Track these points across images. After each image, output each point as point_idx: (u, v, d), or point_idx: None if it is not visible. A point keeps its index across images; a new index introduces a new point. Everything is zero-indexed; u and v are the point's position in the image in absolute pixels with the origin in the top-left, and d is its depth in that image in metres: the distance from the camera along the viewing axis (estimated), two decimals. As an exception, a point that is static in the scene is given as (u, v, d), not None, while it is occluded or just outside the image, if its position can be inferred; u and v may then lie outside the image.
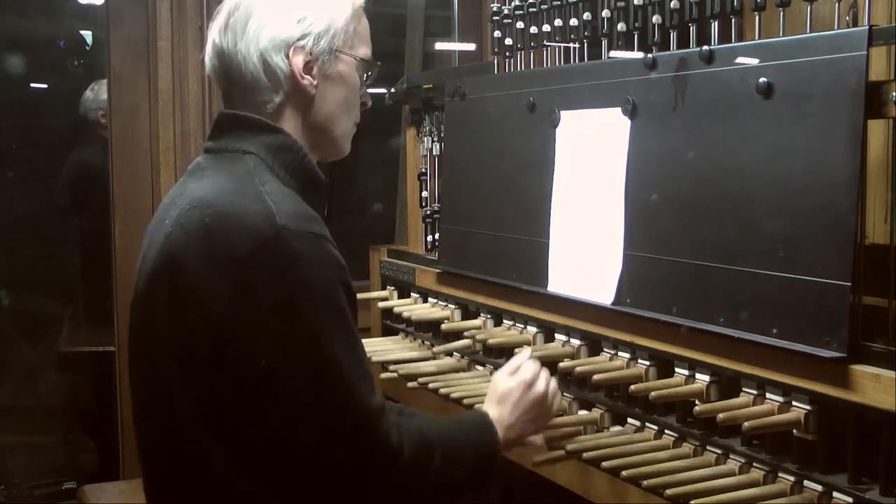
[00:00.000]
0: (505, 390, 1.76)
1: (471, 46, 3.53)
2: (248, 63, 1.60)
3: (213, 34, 1.65)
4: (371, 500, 1.57)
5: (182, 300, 1.50)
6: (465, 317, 2.48)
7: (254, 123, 1.62)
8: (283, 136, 1.63)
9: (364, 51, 1.69)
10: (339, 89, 1.66)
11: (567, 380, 2.04)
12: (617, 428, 1.94)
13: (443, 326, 2.44)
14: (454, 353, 2.41)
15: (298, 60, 1.61)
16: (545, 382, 1.79)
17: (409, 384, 2.30)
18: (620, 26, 2.03)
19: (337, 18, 1.64)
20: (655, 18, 1.93)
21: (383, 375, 2.43)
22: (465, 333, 2.28)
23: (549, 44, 2.28)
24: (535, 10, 2.31)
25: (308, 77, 1.62)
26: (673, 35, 1.91)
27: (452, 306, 2.51)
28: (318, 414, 1.48)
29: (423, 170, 2.77)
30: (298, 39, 1.60)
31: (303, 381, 1.47)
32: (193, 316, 1.48)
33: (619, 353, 1.93)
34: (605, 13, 2.08)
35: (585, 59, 2.20)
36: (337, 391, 1.48)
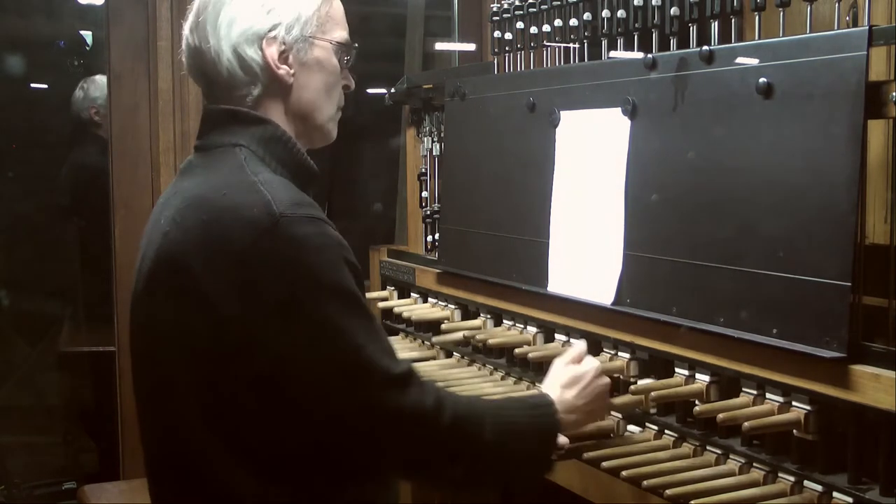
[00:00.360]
0: (575, 375, 1.75)
1: (471, 46, 3.53)
2: (223, 59, 1.59)
3: (186, 33, 1.65)
4: (411, 462, 1.56)
5: (183, 299, 1.49)
6: (465, 317, 2.48)
7: (241, 116, 1.62)
8: (272, 126, 1.62)
9: (339, 34, 1.68)
10: (317, 76, 1.66)
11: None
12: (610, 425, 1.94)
13: (443, 326, 2.43)
14: (454, 353, 2.41)
15: (272, 51, 1.60)
16: (606, 378, 1.79)
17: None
18: (621, 13, 2.02)
19: (307, 5, 1.63)
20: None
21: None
22: (465, 333, 2.28)
23: (549, 44, 2.28)
24: (535, 10, 2.30)
25: (284, 67, 1.61)
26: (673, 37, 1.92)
27: (452, 306, 2.51)
28: (343, 396, 1.47)
29: (423, 170, 2.77)
30: (269, 30, 1.60)
31: (324, 368, 1.46)
32: (196, 313, 1.47)
33: (619, 353, 1.94)
34: (605, 13, 2.08)
35: (585, 59, 2.20)
36: (359, 371, 1.47)
